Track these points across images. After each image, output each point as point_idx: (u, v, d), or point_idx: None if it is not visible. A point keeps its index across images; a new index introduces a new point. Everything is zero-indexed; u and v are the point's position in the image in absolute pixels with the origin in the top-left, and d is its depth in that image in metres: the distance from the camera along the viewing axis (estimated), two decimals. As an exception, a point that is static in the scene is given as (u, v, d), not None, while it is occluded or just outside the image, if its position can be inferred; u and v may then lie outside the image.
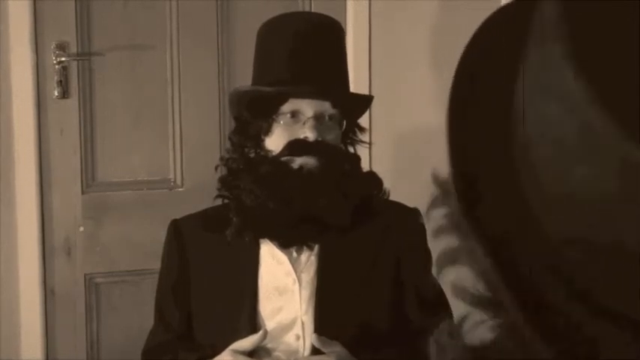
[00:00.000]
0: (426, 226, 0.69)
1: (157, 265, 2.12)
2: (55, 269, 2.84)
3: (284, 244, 1.94)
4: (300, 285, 1.94)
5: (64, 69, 2.81)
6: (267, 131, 1.94)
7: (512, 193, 0.65)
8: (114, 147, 2.88)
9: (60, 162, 2.83)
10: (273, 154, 1.94)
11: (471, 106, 0.67)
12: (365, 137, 2.08)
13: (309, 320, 1.93)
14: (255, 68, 2.01)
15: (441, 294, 1.99)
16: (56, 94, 2.81)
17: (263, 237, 1.95)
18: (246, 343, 1.88)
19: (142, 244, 2.85)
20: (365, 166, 2.09)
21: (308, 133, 1.90)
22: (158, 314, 2.06)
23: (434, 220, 0.69)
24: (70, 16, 2.82)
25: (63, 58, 2.80)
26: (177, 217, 2.07)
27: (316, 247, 1.96)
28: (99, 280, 2.90)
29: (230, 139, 2.02)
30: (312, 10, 2.93)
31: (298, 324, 1.93)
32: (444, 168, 0.73)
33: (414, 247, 2.02)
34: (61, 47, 2.81)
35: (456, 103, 0.67)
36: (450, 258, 0.68)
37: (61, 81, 2.81)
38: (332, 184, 1.92)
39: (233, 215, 1.94)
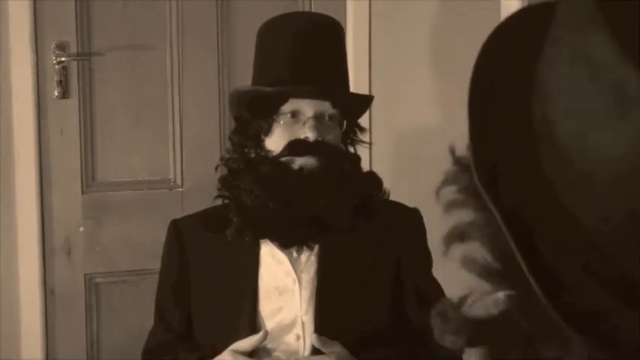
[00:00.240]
0: (438, 202, 0.70)
1: (157, 265, 2.12)
2: (55, 269, 2.84)
3: (284, 244, 1.94)
4: (300, 285, 1.94)
5: (64, 69, 2.81)
6: (268, 131, 1.94)
7: (532, 168, 0.65)
8: (114, 147, 2.88)
9: (60, 162, 2.83)
10: (274, 154, 1.94)
11: (494, 85, 0.68)
12: (365, 137, 2.08)
13: (309, 320, 1.93)
14: (255, 68, 2.01)
15: (441, 293, 1.99)
16: (56, 94, 2.81)
17: (263, 237, 1.95)
18: (247, 343, 1.88)
19: (142, 244, 2.85)
20: (365, 166, 2.10)
21: (308, 133, 1.90)
22: (158, 314, 2.06)
23: (445, 195, 0.69)
24: (70, 16, 2.81)
25: (63, 58, 2.80)
26: (177, 217, 2.08)
27: (316, 247, 1.96)
28: (99, 280, 2.90)
29: (230, 139, 2.02)
30: (312, 10, 2.93)
31: (298, 324, 1.93)
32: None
33: (414, 247, 2.02)
34: (61, 47, 2.81)
35: (479, 81, 0.68)
36: (460, 232, 0.68)
37: (61, 81, 2.81)
38: (332, 184, 1.92)
39: (233, 215, 1.94)
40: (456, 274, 0.78)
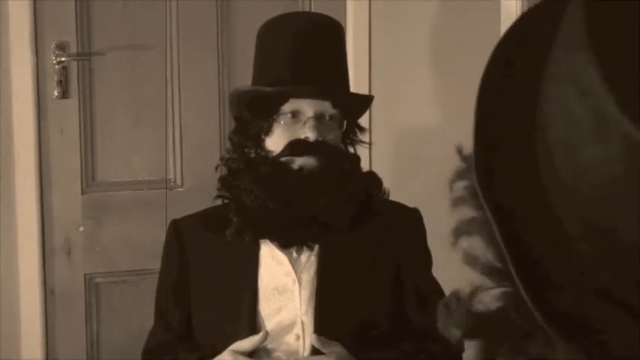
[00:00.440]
0: (448, 196, 0.71)
1: (157, 265, 2.12)
2: (55, 269, 2.84)
3: (284, 245, 1.94)
4: (300, 285, 1.94)
5: (64, 69, 2.81)
6: (268, 131, 1.94)
7: (528, 172, 0.67)
8: (114, 147, 2.88)
9: (60, 162, 2.83)
10: (274, 154, 1.94)
11: (502, 88, 0.69)
12: (365, 137, 2.08)
13: (309, 320, 1.93)
14: (255, 68, 2.01)
15: (440, 294, 1.99)
16: (56, 94, 2.81)
17: (263, 237, 1.95)
18: (247, 343, 1.88)
19: (142, 244, 2.85)
20: (365, 166, 2.10)
21: (308, 133, 1.90)
22: (158, 314, 2.06)
23: (455, 190, 0.70)
24: (70, 16, 2.82)
25: (63, 58, 2.80)
26: (177, 217, 2.08)
27: (316, 248, 1.96)
28: (99, 280, 2.90)
29: (230, 139, 2.02)
30: (312, 10, 2.93)
31: (298, 324, 1.93)
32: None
33: (414, 247, 2.03)
34: (61, 47, 2.81)
35: (487, 83, 0.69)
36: (466, 228, 0.69)
37: (61, 81, 2.81)
38: (332, 184, 1.92)
39: (233, 215, 1.94)
40: (456, 274, 0.79)
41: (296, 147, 1.91)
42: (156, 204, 2.89)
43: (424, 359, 1.93)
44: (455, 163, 0.72)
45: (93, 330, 2.89)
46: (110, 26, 2.86)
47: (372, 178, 2.04)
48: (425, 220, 2.06)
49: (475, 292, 0.70)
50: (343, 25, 2.19)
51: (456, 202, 0.70)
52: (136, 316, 2.81)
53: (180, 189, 2.94)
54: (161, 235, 2.08)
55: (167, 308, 2.03)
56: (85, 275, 2.87)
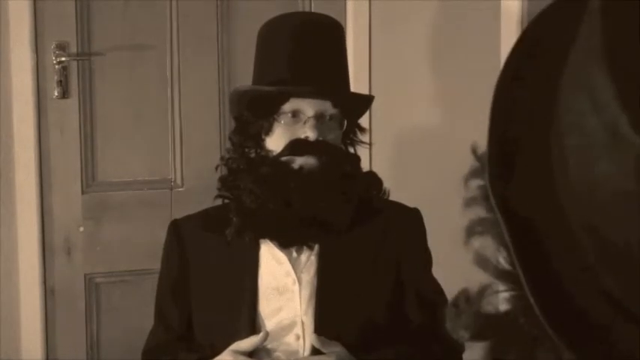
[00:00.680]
0: (459, 198, 0.71)
1: (157, 265, 2.12)
2: (55, 269, 2.84)
3: (284, 244, 1.94)
4: (300, 285, 1.94)
5: (64, 69, 2.81)
6: (268, 131, 1.94)
7: (542, 177, 0.66)
8: (114, 147, 2.88)
9: (60, 162, 2.83)
10: (274, 153, 1.94)
11: (518, 92, 0.68)
12: (365, 137, 2.08)
13: (309, 320, 1.93)
14: (255, 68, 2.01)
15: (440, 294, 1.99)
16: (56, 94, 2.81)
17: (263, 237, 1.95)
18: (247, 343, 1.88)
19: (142, 244, 2.85)
20: (365, 166, 2.09)
21: (309, 133, 1.90)
22: (158, 314, 2.06)
23: (469, 189, 0.70)
24: (70, 16, 2.81)
25: (63, 58, 2.80)
26: (177, 217, 2.08)
27: (316, 247, 1.96)
28: (99, 280, 2.90)
29: (230, 139, 2.02)
30: (312, 10, 2.93)
31: (298, 324, 1.93)
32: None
33: (414, 247, 2.02)
34: (61, 47, 2.81)
35: (503, 84, 0.68)
36: (478, 227, 0.69)
37: (61, 81, 2.81)
38: (332, 184, 1.92)
39: (233, 215, 1.94)
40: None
41: (296, 147, 1.91)
42: (156, 204, 2.89)
43: (424, 359, 1.93)
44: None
45: (93, 330, 2.89)
46: (110, 26, 2.86)
47: (372, 178, 2.04)
48: (425, 220, 2.06)
49: (484, 291, 0.70)
50: (343, 25, 2.19)
51: (469, 202, 0.70)
52: (136, 316, 2.81)
53: (180, 189, 2.94)
54: (161, 235, 2.08)
55: (167, 308, 2.03)
56: (85, 275, 2.87)
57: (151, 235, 2.75)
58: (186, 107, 2.93)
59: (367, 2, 3.01)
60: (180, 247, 2.02)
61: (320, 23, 2.03)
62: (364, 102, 2.10)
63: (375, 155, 2.93)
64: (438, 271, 2.05)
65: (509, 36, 2.99)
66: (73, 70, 2.83)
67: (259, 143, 1.96)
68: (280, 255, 1.95)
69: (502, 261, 0.67)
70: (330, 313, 1.93)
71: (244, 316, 1.93)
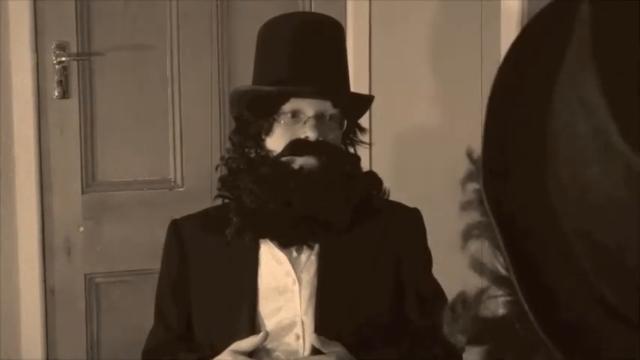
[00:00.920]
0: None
1: (157, 265, 2.12)
2: (55, 269, 2.84)
3: (284, 244, 1.94)
4: (300, 285, 1.94)
5: (64, 69, 2.81)
6: (268, 131, 1.94)
7: (536, 181, 0.66)
8: (114, 147, 2.88)
9: (60, 162, 2.83)
10: (274, 153, 1.94)
11: (514, 92, 0.68)
12: (365, 137, 2.08)
13: (309, 320, 1.93)
14: (255, 68, 2.01)
15: (440, 294, 1.99)
16: (56, 94, 2.81)
17: (263, 237, 1.95)
18: (247, 343, 1.88)
19: (142, 244, 2.85)
20: (365, 166, 2.09)
21: (309, 133, 1.90)
22: (158, 314, 2.06)
23: (466, 193, 0.70)
24: (70, 16, 2.81)
25: (63, 58, 2.80)
26: (177, 217, 2.08)
27: (316, 247, 1.96)
28: (99, 280, 2.90)
29: (230, 139, 2.02)
30: (312, 10, 2.93)
31: (298, 324, 1.93)
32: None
33: (414, 247, 2.02)
34: (61, 47, 2.81)
35: (499, 87, 0.68)
36: (474, 231, 0.69)
37: (61, 81, 2.81)
38: (332, 184, 1.92)
39: (233, 215, 1.94)
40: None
41: (296, 147, 1.91)
42: (156, 204, 2.89)
43: (424, 359, 1.93)
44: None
45: (93, 330, 2.89)
46: (110, 26, 2.86)
47: (372, 178, 2.04)
48: (425, 220, 2.06)
49: (481, 295, 0.70)
50: (343, 25, 2.18)
51: (466, 206, 0.70)
52: (136, 316, 2.81)
53: (180, 189, 2.94)
54: (161, 235, 2.08)
55: (167, 308, 2.03)
56: (85, 275, 2.87)
57: (151, 235, 2.76)
58: (186, 107, 2.93)
59: (367, 2, 3.01)
60: (180, 247, 2.02)
61: (320, 23, 2.03)
62: (364, 102, 2.10)
63: (375, 155, 2.93)
64: (437, 272, 2.05)
65: (509, 36, 2.99)
66: (73, 70, 2.83)
67: (259, 143, 1.96)
68: (280, 255, 1.95)
69: (498, 266, 0.67)
70: (330, 312, 1.93)
71: (244, 316, 1.93)
